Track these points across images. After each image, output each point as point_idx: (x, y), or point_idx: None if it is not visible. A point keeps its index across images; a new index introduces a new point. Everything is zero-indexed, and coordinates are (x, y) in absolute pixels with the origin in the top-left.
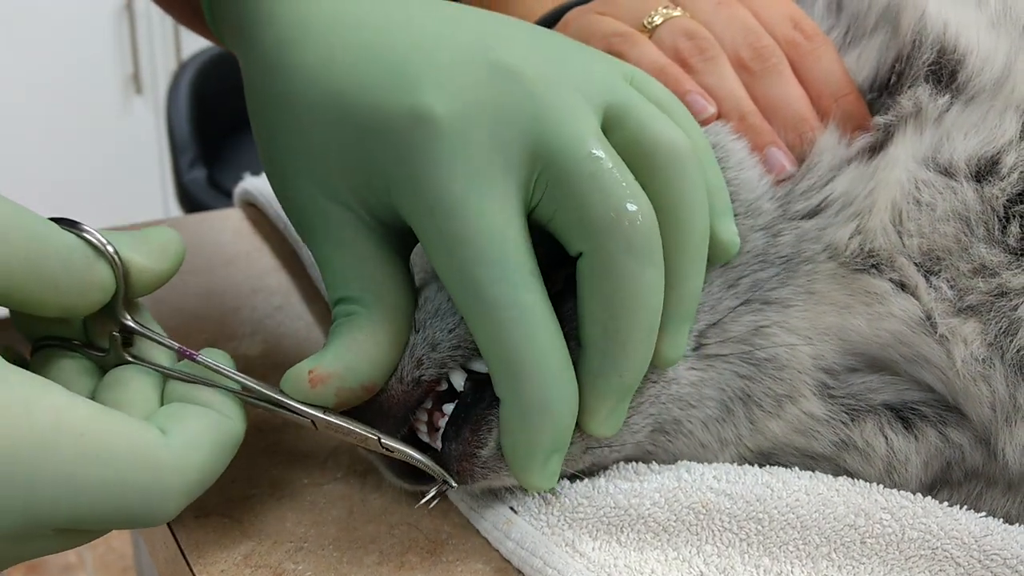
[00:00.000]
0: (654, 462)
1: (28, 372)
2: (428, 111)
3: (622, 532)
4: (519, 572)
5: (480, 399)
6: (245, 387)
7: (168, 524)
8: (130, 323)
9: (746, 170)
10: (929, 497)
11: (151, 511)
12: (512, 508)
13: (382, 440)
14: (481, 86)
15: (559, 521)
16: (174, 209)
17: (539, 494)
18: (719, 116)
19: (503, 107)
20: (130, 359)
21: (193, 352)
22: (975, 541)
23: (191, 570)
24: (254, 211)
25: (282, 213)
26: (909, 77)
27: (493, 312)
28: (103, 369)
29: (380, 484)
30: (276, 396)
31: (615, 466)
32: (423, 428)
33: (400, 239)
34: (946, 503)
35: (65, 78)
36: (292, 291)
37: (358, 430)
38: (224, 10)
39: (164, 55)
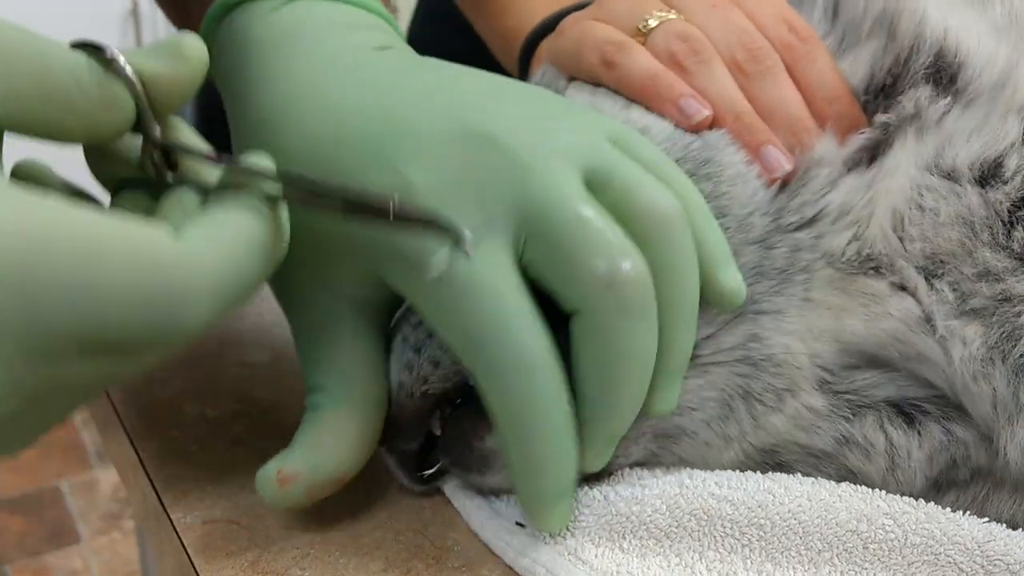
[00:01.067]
0: (658, 469)
1: (50, 192)
2: (407, 184)
3: (624, 539)
4: None
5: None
6: (295, 183)
7: (175, 529)
8: (160, 139)
9: (739, 185)
10: (932, 503)
11: (172, 316)
12: (517, 523)
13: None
14: (460, 156)
15: (561, 529)
16: None
17: None
18: (714, 117)
19: (485, 174)
20: (174, 181)
21: (231, 157)
22: (978, 546)
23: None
24: None
25: None
26: (907, 80)
27: (497, 373)
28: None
29: (387, 491)
30: (335, 188)
31: (618, 473)
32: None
33: (383, 315)
34: (949, 508)
35: None
36: None
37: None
38: (221, 75)
39: None
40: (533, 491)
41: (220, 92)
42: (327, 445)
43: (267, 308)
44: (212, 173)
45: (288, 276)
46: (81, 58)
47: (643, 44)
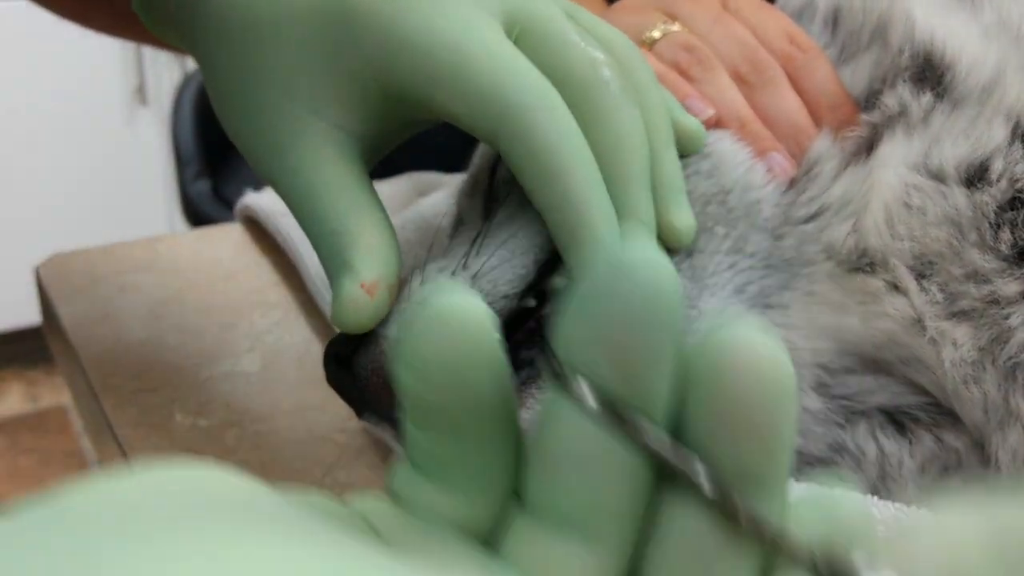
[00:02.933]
0: None
1: None
2: None
3: None
4: None
5: None
6: None
7: None
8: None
9: (744, 172)
10: (924, 510)
11: None
12: None
13: None
14: None
15: None
16: (178, 220)
17: None
18: (719, 123)
19: None
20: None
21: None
22: None
23: None
24: (254, 227)
25: (281, 227)
26: (891, 80)
27: (522, 122)
28: None
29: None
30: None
31: None
32: None
33: (367, 146)
34: None
35: (70, 90)
36: (292, 306)
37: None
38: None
39: (169, 67)
40: (587, 230)
41: (155, 27)
42: (381, 249)
43: (258, 316)
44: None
45: (291, 127)
46: None
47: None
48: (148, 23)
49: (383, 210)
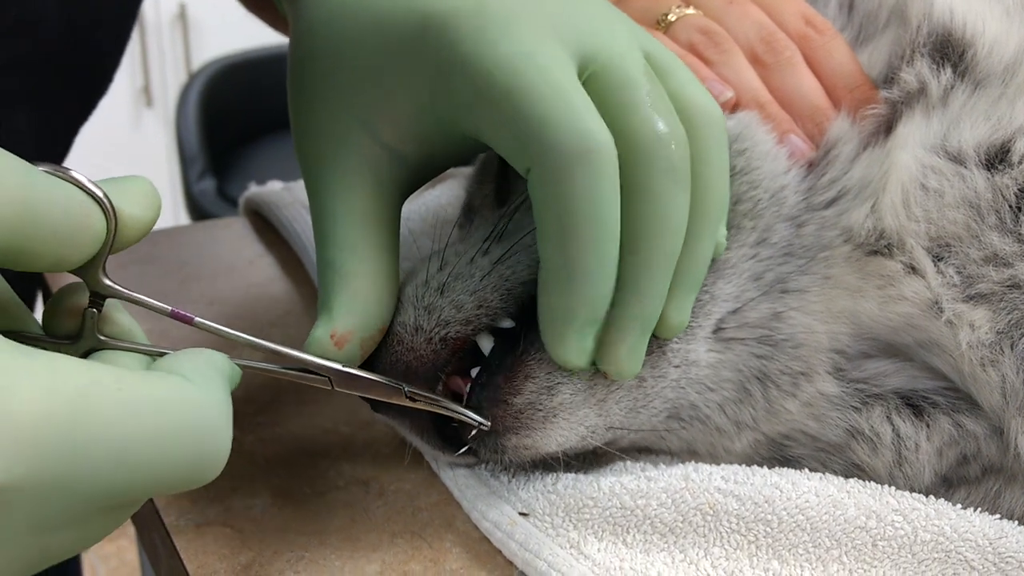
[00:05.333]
0: (662, 463)
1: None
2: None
3: (628, 533)
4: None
5: (509, 351)
6: (253, 348)
7: (168, 533)
8: (110, 283)
9: (770, 161)
10: (942, 499)
11: (203, 458)
12: (520, 512)
13: (406, 389)
14: None
15: (564, 522)
16: (183, 219)
17: (544, 495)
18: (737, 104)
19: (557, 9)
20: (104, 339)
21: (189, 315)
22: (989, 543)
23: None
24: (259, 220)
25: (285, 220)
26: (910, 56)
27: (561, 163)
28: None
29: (383, 493)
30: (291, 353)
31: (621, 465)
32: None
33: (408, 173)
34: (959, 505)
35: None
36: (295, 299)
37: (382, 381)
38: None
39: (174, 67)
40: (562, 305)
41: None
42: (367, 298)
43: (263, 309)
44: (139, 331)
45: (332, 127)
46: (70, 188)
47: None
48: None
49: (392, 252)
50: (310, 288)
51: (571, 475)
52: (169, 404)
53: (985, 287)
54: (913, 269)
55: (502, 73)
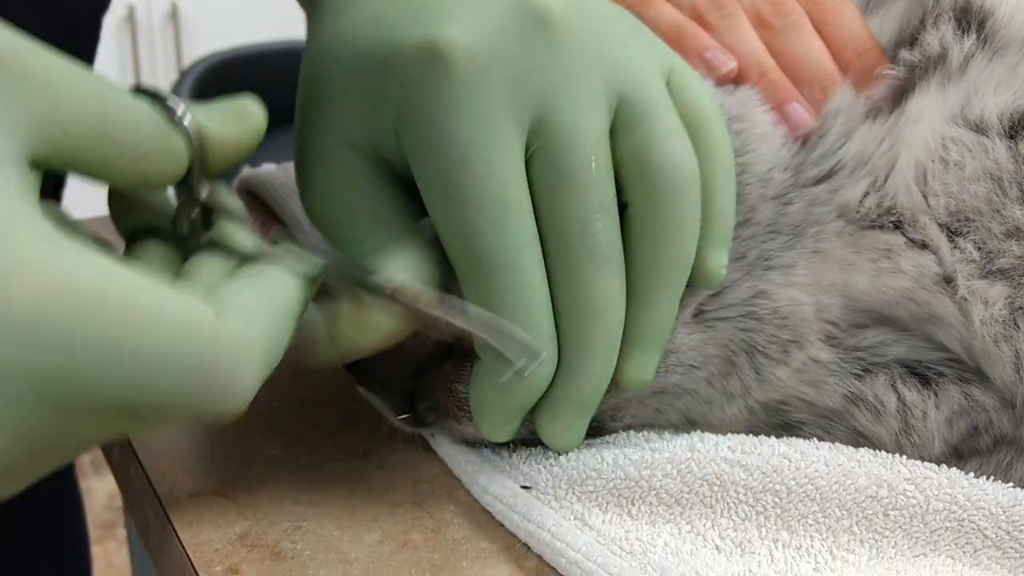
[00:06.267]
0: (667, 432)
1: (82, 240)
2: (443, 46)
3: (633, 504)
4: (526, 547)
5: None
6: (330, 262)
7: (161, 503)
8: (205, 200)
9: (764, 143)
10: (955, 468)
11: (210, 393)
12: (522, 485)
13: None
14: (506, 30)
15: (567, 494)
16: None
17: (547, 467)
18: (739, 72)
19: (523, 60)
20: (206, 243)
21: (281, 232)
22: (1003, 512)
23: (184, 548)
24: (252, 200)
25: (279, 199)
26: (932, 20)
27: (488, 271)
28: (187, 257)
29: (383, 464)
30: (361, 277)
31: (625, 435)
32: None
33: (411, 187)
34: (972, 474)
35: None
36: None
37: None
38: None
39: (165, 65)
40: (494, 399)
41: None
42: (417, 263)
43: None
44: (247, 241)
45: (325, 152)
46: (142, 106)
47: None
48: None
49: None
50: None
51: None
52: (174, 329)
53: (1006, 262)
54: (921, 244)
55: (447, 161)
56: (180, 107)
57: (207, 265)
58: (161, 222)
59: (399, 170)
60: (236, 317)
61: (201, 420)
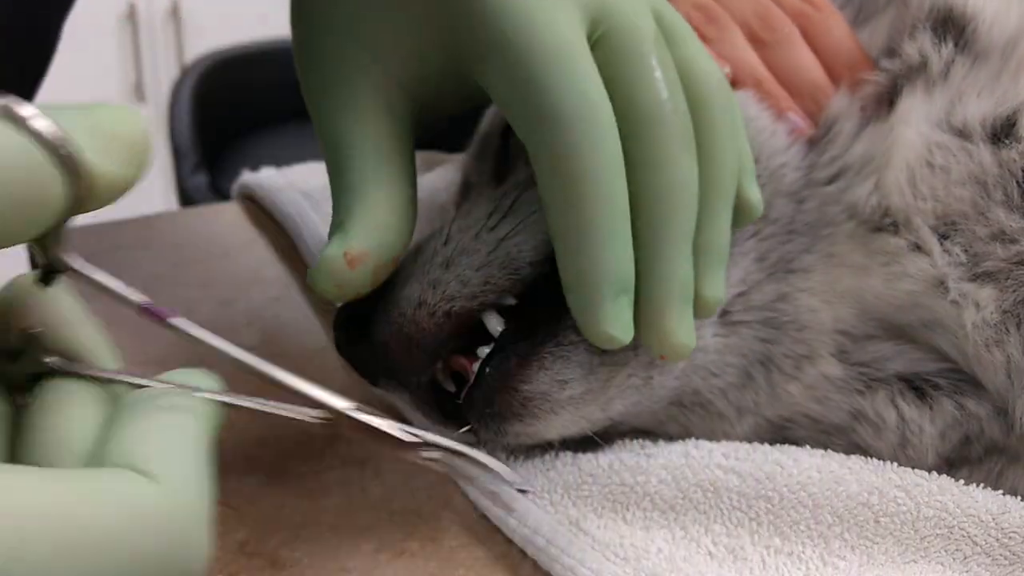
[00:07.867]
0: (661, 439)
1: None
2: None
3: (628, 510)
4: (522, 554)
5: (524, 337)
6: (238, 367)
7: None
8: (70, 261)
9: (769, 137)
10: (945, 475)
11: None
12: (519, 489)
13: (406, 430)
14: None
15: (563, 499)
16: None
17: (543, 472)
18: (734, 82)
19: None
20: (52, 360)
21: (164, 310)
22: (993, 519)
23: None
24: (252, 206)
25: (279, 203)
26: (911, 30)
27: (565, 125)
28: (10, 387)
29: (380, 472)
30: (291, 382)
31: (620, 442)
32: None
33: (418, 108)
34: (962, 481)
35: (69, 87)
36: (290, 282)
37: (395, 433)
38: None
39: (166, 63)
40: (589, 270)
41: None
42: (387, 222)
43: (257, 292)
44: (104, 353)
45: (331, 43)
46: (19, 140)
47: None
48: None
49: (410, 182)
50: (304, 271)
51: (569, 453)
52: (118, 522)
53: (992, 265)
54: (918, 247)
55: (510, 24)
56: (63, 141)
57: (70, 405)
58: None
59: (421, 94)
60: (168, 477)
61: None
